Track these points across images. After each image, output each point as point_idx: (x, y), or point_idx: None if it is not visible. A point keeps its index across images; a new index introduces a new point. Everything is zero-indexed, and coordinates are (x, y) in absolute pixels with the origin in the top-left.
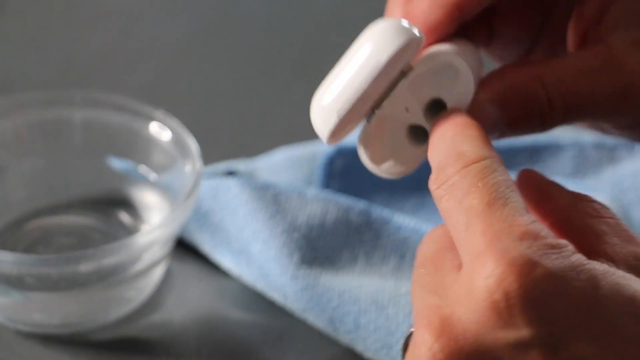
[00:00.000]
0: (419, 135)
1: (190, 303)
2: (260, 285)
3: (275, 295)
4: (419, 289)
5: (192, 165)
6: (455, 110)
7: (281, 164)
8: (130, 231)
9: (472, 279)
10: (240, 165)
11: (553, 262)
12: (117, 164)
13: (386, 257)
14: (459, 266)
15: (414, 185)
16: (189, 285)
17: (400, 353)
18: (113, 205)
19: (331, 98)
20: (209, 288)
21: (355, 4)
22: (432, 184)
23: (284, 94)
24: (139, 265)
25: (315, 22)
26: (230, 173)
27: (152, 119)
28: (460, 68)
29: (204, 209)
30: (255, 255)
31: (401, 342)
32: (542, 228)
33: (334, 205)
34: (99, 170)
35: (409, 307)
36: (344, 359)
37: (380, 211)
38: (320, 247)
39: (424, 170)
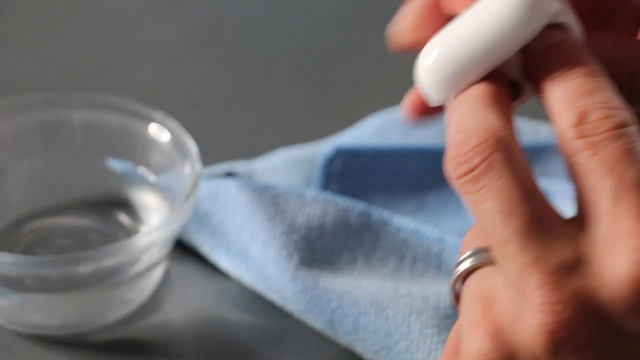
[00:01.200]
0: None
1: (189, 304)
2: (259, 286)
3: (275, 297)
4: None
5: (191, 166)
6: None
7: (280, 165)
8: (130, 232)
9: (609, 257)
10: (239, 166)
11: None
12: (116, 165)
13: (385, 258)
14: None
15: (414, 187)
16: (188, 287)
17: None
18: (112, 207)
19: (459, 50)
20: (208, 289)
21: (354, 7)
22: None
23: (283, 96)
24: (138, 267)
25: (315, 24)
26: (229, 174)
27: (151, 120)
28: (569, 24)
29: (203, 211)
30: (255, 257)
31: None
32: None
33: (333, 206)
34: (98, 172)
35: (408, 309)
36: (344, 359)
37: (379, 212)
38: (320, 249)
39: (423, 171)
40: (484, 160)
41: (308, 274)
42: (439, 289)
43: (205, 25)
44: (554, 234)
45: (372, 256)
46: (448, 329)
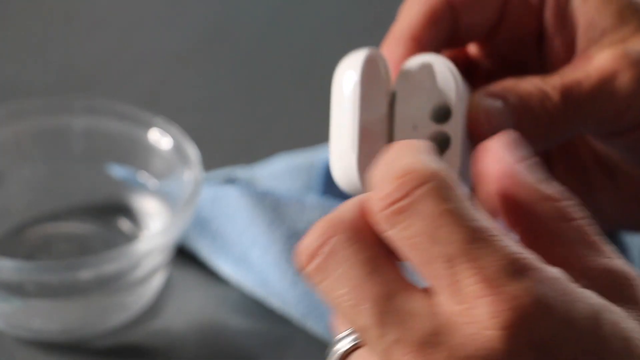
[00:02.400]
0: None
1: (190, 310)
2: (259, 291)
3: (275, 301)
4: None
5: (191, 172)
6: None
7: (280, 171)
8: (130, 238)
9: (470, 322)
10: (239, 172)
11: (555, 297)
12: (117, 171)
13: None
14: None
15: None
16: (188, 292)
17: None
18: (113, 212)
19: (341, 144)
20: (209, 295)
21: (355, 12)
22: (376, 207)
23: (283, 101)
24: (139, 272)
25: (315, 30)
26: (230, 180)
27: (151, 126)
28: (431, 61)
29: (203, 216)
30: (255, 262)
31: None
32: (531, 255)
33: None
34: (98, 177)
35: None
36: None
37: None
38: None
39: None
40: (322, 245)
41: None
42: None
43: (205, 32)
44: (408, 310)
45: None
46: None
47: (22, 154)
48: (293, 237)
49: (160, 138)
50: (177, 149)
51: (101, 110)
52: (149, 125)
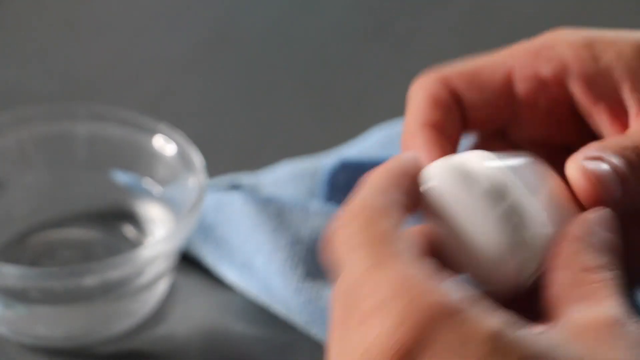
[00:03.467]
0: None
1: (194, 316)
2: (263, 298)
3: (279, 308)
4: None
5: (196, 178)
6: None
7: (284, 178)
8: (134, 245)
9: None
10: (243, 178)
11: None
12: (121, 177)
13: None
14: None
15: None
16: (192, 299)
17: None
18: (117, 219)
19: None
20: (213, 302)
21: (359, 17)
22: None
23: (288, 108)
24: (143, 279)
25: (319, 36)
26: (234, 186)
27: (156, 132)
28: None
29: (207, 222)
30: (259, 268)
31: None
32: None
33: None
34: (102, 184)
35: None
36: None
37: None
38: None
39: None
40: None
41: (312, 285)
42: None
43: (209, 37)
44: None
45: None
46: None
47: (25, 160)
48: (297, 243)
49: (164, 144)
50: (181, 155)
51: (105, 116)
52: (153, 132)
